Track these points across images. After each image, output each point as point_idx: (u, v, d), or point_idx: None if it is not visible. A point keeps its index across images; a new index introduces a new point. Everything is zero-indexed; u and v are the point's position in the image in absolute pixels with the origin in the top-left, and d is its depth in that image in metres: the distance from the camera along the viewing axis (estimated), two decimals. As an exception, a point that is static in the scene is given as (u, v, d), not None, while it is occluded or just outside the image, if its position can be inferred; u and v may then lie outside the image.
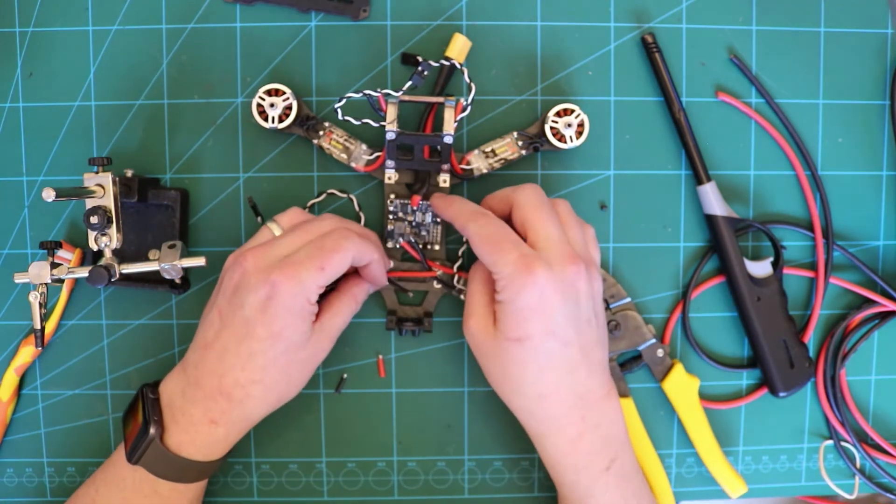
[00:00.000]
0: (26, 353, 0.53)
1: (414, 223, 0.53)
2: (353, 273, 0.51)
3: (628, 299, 0.54)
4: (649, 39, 0.52)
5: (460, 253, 0.54)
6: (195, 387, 0.46)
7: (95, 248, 0.48)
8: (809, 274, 0.55)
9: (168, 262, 0.48)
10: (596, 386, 0.46)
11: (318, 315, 0.48)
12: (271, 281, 0.44)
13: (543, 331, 0.44)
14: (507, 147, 0.52)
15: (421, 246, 0.53)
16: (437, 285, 0.53)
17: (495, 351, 0.46)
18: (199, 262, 0.48)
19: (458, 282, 0.53)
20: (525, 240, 0.46)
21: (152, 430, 0.46)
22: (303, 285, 0.44)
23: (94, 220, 0.46)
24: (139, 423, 0.47)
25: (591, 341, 0.46)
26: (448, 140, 0.49)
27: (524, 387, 0.46)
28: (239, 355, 0.45)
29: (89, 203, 0.47)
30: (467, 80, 0.50)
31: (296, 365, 0.47)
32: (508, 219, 0.48)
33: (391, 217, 0.53)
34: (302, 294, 0.45)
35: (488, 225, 0.45)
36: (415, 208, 0.52)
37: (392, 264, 0.52)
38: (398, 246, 0.53)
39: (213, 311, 0.46)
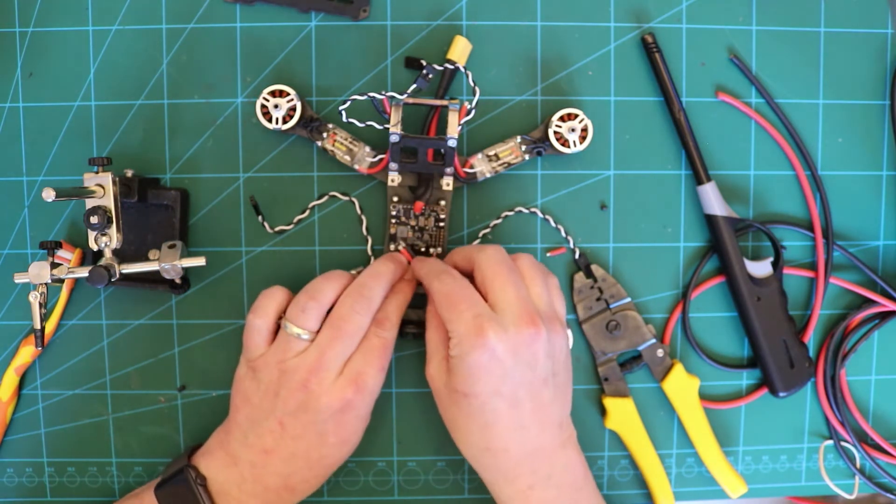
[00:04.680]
0: (26, 353, 0.53)
1: (416, 227, 0.53)
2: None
3: (628, 299, 0.54)
4: (649, 39, 0.52)
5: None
6: (255, 483, 0.47)
7: (95, 248, 0.48)
8: (809, 274, 0.55)
9: (168, 262, 0.48)
10: (548, 441, 0.47)
11: None
12: (345, 400, 0.46)
13: (490, 391, 0.45)
14: (511, 151, 0.52)
15: (423, 250, 0.53)
16: None
17: (446, 399, 0.47)
18: (199, 262, 0.48)
19: None
20: (486, 299, 0.46)
21: None
22: (372, 394, 0.48)
23: (94, 220, 0.46)
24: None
25: (546, 401, 0.46)
26: (452, 143, 0.49)
27: (470, 438, 0.47)
28: (308, 459, 0.47)
29: (89, 203, 0.47)
30: (471, 84, 0.50)
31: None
32: (472, 277, 0.48)
33: (394, 221, 0.53)
34: (372, 400, 0.48)
35: (448, 283, 0.46)
36: (418, 213, 0.52)
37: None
38: (400, 249, 0.53)
39: (270, 419, 0.47)
